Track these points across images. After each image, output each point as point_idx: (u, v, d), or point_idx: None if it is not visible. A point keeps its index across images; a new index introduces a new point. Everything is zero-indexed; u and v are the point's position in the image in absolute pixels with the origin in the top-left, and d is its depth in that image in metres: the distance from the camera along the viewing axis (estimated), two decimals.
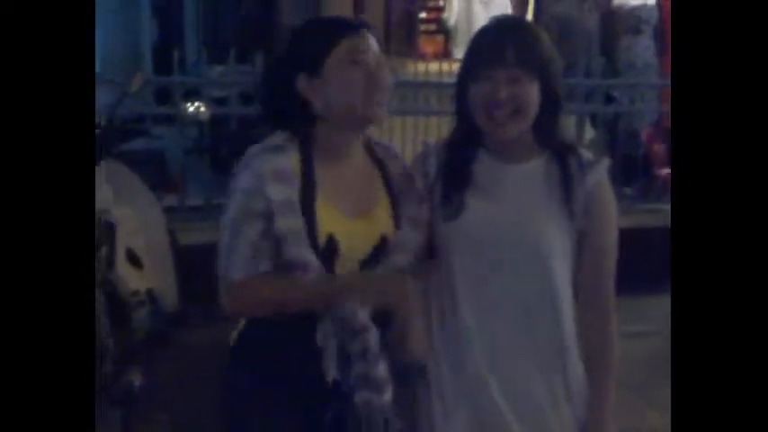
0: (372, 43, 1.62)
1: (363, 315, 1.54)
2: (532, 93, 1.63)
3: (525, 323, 1.65)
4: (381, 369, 1.56)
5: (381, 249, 1.63)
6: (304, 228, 1.54)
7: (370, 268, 1.62)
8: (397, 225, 1.66)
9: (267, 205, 1.53)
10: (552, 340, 1.66)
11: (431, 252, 1.70)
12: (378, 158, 1.71)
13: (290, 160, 1.58)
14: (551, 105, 1.66)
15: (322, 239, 1.56)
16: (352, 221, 1.61)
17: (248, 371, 1.62)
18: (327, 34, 1.62)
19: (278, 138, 1.61)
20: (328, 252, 1.57)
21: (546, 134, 1.69)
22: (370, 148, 1.72)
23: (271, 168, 1.55)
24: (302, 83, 1.62)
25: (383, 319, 1.55)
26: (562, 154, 1.68)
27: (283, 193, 1.54)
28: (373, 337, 1.56)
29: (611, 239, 1.69)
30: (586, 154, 1.71)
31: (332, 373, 1.55)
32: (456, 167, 1.70)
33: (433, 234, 1.68)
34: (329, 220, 1.58)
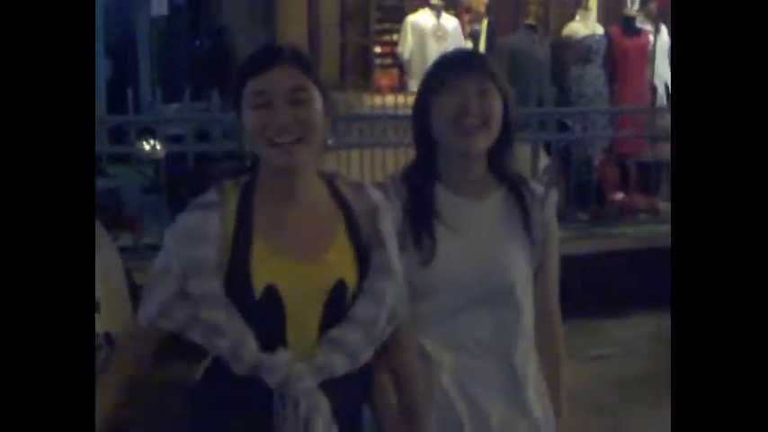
0: (284, 79, 1.47)
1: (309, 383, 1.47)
2: (499, 107, 1.65)
3: (494, 357, 1.67)
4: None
5: (340, 295, 1.50)
6: (233, 284, 1.45)
7: (334, 317, 1.49)
8: (362, 272, 1.52)
9: (182, 266, 1.46)
10: (514, 368, 1.68)
11: None
12: (340, 197, 1.57)
13: (213, 218, 1.48)
14: (508, 133, 1.68)
15: (258, 291, 1.45)
16: (298, 266, 1.49)
17: (206, 419, 1.54)
18: (240, 71, 1.54)
19: (209, 194, 1.52)
20: (269, 303, 1.46)
21: (501, 164, 1.71)
22: (333, 185, 1.59)
23: (189, 227, 1.48)
24: (238, 120, 1.54)
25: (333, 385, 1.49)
26: (517, 188, 1.72)
27: (198, 253, 1.46)
28: (322, 400, 1.47)
29: (558, 261, 1.78)
30: (537, 186, 1.77)
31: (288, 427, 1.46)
32: (421, 207, 1.67)
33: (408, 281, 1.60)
34: (268, 269, 1.46)
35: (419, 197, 1.68)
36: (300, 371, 1.46)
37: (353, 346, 1.50)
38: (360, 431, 1.61)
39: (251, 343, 1.46)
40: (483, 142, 1.65)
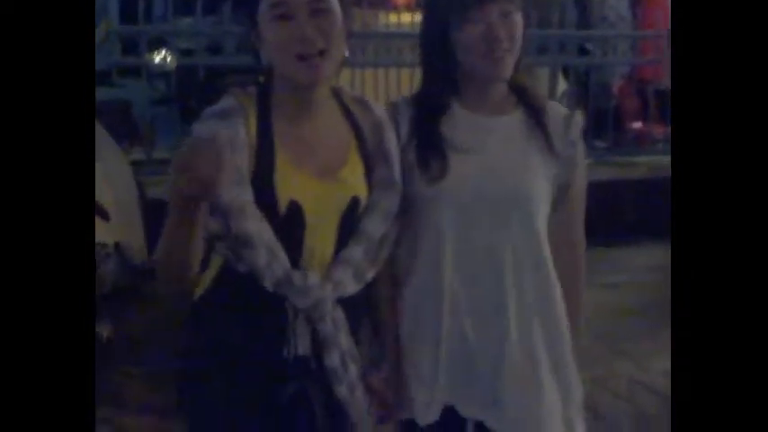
0: None
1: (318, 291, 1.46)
2: (521, 26, 1.61)
3: (512, 281, 1.62)
4: (346, 350, 1.50)
5: (352, 212, 1.51)
6: (258, 197, 1.42)
7: (346, 236, 1.50)
8: (370, 187, 1.53)
9: None
10: (539, 290, 1.65)
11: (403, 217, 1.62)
12: (350, 113, 1.57)
13: (238, 126, 1.43)
14: (522, 46, 1.64)
15: (283, 207, 1.44)
16: (318, 184, 1.48)
17: (208, 333, 1.51)
18: None
19: (225, 101, 1.47)
20: (292, 220, 1.45)
21: (521, 83, 1.67)
22: (341, 100, 1.58)
23: (213, 135, 1.39)
24: (251, 33, 1.49)
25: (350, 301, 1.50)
26: (538, 107, 1.67)
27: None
28: (340, 316, 1.49)
29: (584, 189, 1.73)
30: (560, 107, 1.71)
31: (301, 348, 1.47)
32: (430, 125, 1.63)
33: (411, 198, 1.59)
34: (291, 185, 1.45)
35: (431, 115, 1.63)
36: (327, 292, 1.47)
37: (362, 263, 1.52)
38: (359, 348, 1.60)
39: (282, 256, 1.45)
40: (510, 66, 1.61)
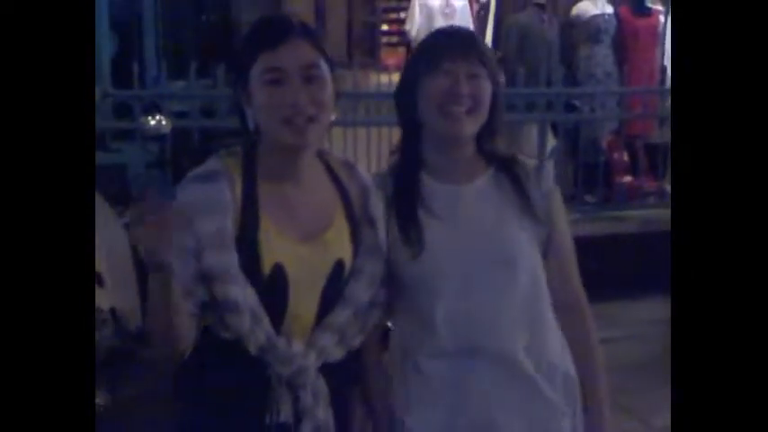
0: (298, 55, 1.43)
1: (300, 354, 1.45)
2: (488, 91, 1.60)
3: (511, 349, 1.58)
4: (322, 423, 1.48)
5: (337, 276, 1.49)
6: (242, 260, 1.40)
7: (332, 300, 1.48)
8: (355, 250, 1.52)
9: (196, 240, 1.38)
10: (542, 357, 1.60)
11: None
12: (335, 176, 1.57)
13: (223, 187, 1.42)
14: (496, 116, 1.63)
15: (267, 270, 1.42)
16: (301, 246, 1.46)
17: (191, 399, 1.49)
18: (249, 45, 1.48)
19: (211, 164, 1.46)
20: (276, 283, 1.43)
21: (490, 146, 1.66)
22: (327, 163, 1.58)
23: (201, 197, 1.40)
24: (238, 93, 1.49)
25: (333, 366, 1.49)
26: (507, 165, 1.66)
27: (212, 224, 1.39)
28: (321, 386, 1.47)
29: (571, 240, 1.70)
30: (528, 160, 1.71)
31: (283, 415, 1.45)
32: (405, 198, 1.61)
33: (395, 274, 1.58)
34: (275, 248, 1.43)
35: (404, 188, 1.62)
36: (311, 360, 1.45)
37: (348, 329, 1.50)
38: (350, 415, 1.59)
39: (266, 321, 1.43)
40: (471, 127, 1.60)
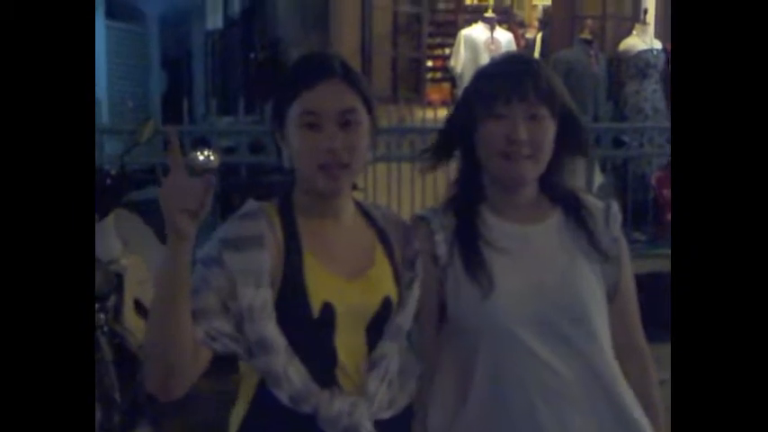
0: (335, 98, 1.40)
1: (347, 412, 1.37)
2: (551, 131, 1.52)
3: (579, 395, 1.49)
4: None
5: (386, 312, 1.44)
6: (287, 300, 1.36)
7: (376, 336, 1.42)
8: (399, 289, 1.47)
9: (232, 276, 1.34)
10: (612, 403, 1.51)
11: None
12: (370, 216, 1.53)
13: (262, 226, 1.39)
14: (562, 154, 1.56)
15: (316, 308, 1.37)
16: (348, 284, 1.42)
17: None
18: (288, 84, 1.44)
19: (250, 205, 1.43)
20: (325, 322, 1.38)
21: (554, 185, 1.58)
22: (360, 206, 1.54)
23: (243, 232, 1.36)
24: (276, 134, 1.47)
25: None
26: (574, 205, 1.58)
27: (247, 261, 1.34)
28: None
29: (634, 284, 1.62)
30: (595, 200, 1.63)
31: None
32: (471, 235, 1.53)
33: (455, 315, 1.52)
34: (323, 287, 1.39)
35: (467, 224, 1.54)
36: (361, 413, 1.38)
37: (396, 373, 1.45)
38: None
39: (297, 363, 1.37)
40: (532, 171, 1.52)
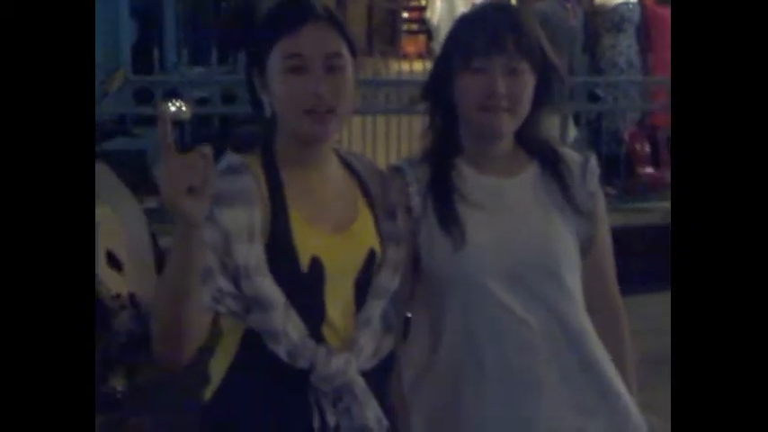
0: (321, 42, 1.36)
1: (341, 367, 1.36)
2: (530, 86, 1.50)
3: (550, 348, 1.51)
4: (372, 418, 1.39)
5: (371, 265, 1.43)
6: (276, 256, 1.33)
7: (364, 289, 1.42)
8: (381, 241, 1.46)
9: (223, 235, 1.31)
10: (582, 357, 1.53)
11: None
12: (351, 166, 1.50)
13: (248, 179, 1.35)
14: (546, 102, 1.54)
15: (305, 263, 1.35)
16: (334, 238, 1.40)
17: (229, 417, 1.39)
18: (268, 28, 1.40)
19: (231, 158, 1.38)
20: (314, 277, 1.37)
21: (531, 138, 1.57)
22: (339, 155, 1.51)
23: (223, 191, 1.29)
24: (256, 78, 1.41)
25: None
26: (551, 158, 1.57)
27: (238, 217, 1.31)
28: (361, 390, 1.39)
29: (610, 239, 1.63)
30: (573, 153, 1.62)
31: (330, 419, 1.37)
32: (445, 188, 1.52)
33: (429, 266, 1.52)
34: (311, 241, 1.37)
35: (442, 177, 1.53)
36: (351, 371, 1.37)
37: (380, 324, 1.45)
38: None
39: (296, 319, 1.35)
40: (510, 125, 1.51)
